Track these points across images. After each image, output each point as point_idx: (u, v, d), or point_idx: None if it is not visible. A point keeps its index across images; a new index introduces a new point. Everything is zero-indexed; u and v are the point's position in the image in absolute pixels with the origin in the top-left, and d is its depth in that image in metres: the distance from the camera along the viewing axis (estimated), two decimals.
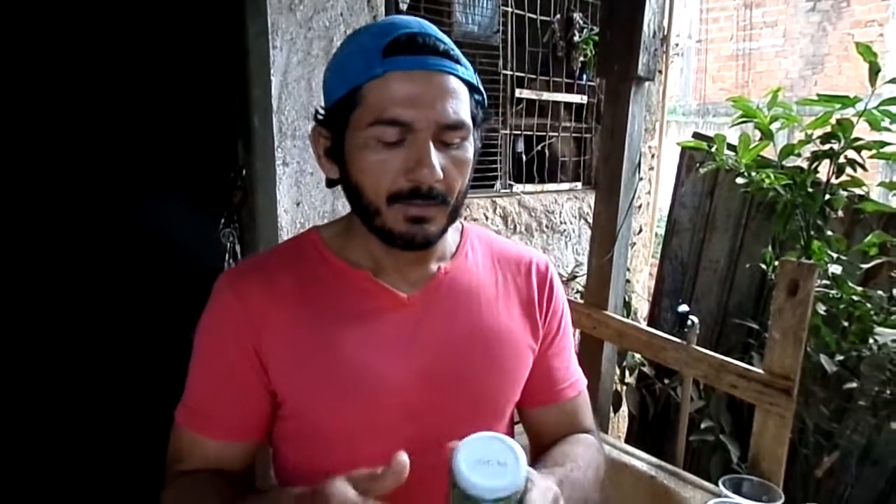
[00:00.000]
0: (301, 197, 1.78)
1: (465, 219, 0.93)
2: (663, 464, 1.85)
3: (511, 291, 0.88)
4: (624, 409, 2.62)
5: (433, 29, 0.76)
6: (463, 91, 0.75)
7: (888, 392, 1.81)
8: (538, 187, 2.62)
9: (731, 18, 8.02)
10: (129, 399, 3.70)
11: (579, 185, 2.84)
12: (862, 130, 1.85)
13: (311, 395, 0.77)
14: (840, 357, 1.88)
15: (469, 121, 0.75)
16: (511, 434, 0.91)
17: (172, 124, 1.70)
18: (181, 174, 1.85)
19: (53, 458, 3.14)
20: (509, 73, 2.53)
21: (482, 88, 0.80)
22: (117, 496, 2.72)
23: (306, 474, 0.75)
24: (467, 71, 0.77)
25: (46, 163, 1.78)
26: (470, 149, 0.76)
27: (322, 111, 0.80)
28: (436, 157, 0.72)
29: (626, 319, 2.14)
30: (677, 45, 8.92)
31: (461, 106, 0.74)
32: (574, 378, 0.94)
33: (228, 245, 1.75)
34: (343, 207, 1.92)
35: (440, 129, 0.72)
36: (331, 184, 0.81)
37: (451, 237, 0.87)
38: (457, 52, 0.76)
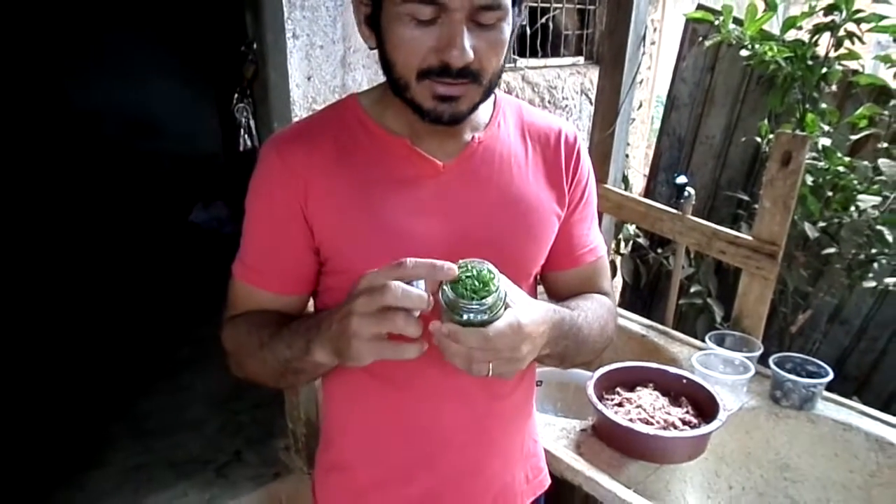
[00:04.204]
0: (312, 71, 1.80)
1: None
2: (654, 324, 2.02)
3: (539, 161, 0.92)
4: (618, 279, 2.78)
5: None
6: None
7: (863, 255, 1.96)
8: (541, 62, 2.61)
9: None
10: (130, 286, 3.84)
11: (582, 59, 2.82)
12: (864, 3, 1.87)
13: (352, 252, 0.83)
14: (822, 224, 2.01)
15: (507, 1, 0.75)
16: (534, 294, 0.98)
17: None
18: (182, 49, 1.85)
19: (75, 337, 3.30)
20: None
21: None
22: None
23: None
24: None
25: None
26: (507, 29, 0.76)
27: None
28: (468, 39, 0.72)
29: (624, 192, 2.25)
30: None
31: None
32: (594, 244, 1.00)
33: (243, 120, 1.79)
34: (353, 82, 1.96)
35: (475, 10, 0.72)
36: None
37: (485, 107, 0.89)
38: None
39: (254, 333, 0.85)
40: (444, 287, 0.67)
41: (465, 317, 0.67)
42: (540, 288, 1.03)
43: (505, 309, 0.69)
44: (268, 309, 0.89)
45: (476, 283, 0.67)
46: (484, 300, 0.66)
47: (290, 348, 0.79)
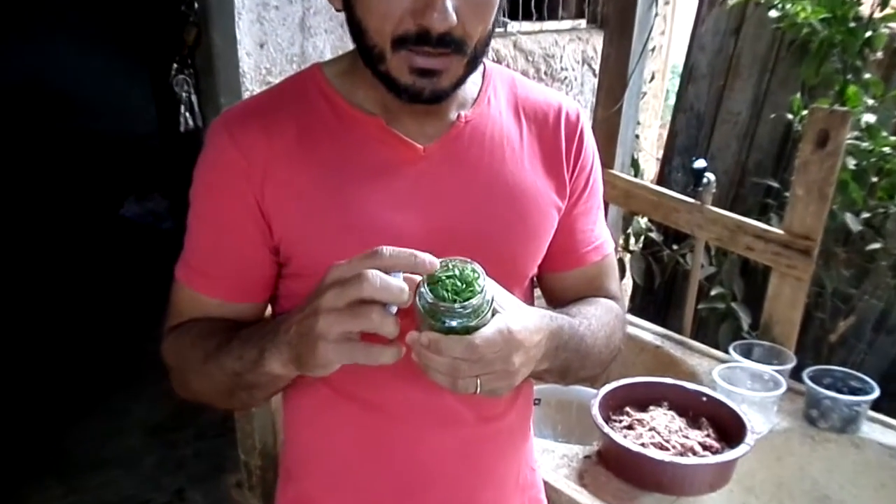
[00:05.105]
0: (265, 37, 1.79)
1: None
2: (669, 333, 2.04)
3: (536, 143, 0.92)
4: (626, 280, 2.80)
5: None
6: None
7: None
8: (536, 26, 2.61)
9: None
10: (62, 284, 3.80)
11: (583, 23, 2.83)
12: None
13: (319, 252, 0.82)
14: (866, 215, 2.04)
15: None
16: (530, 300, 0.98)
17: None
18: (108, 9, 1.83)
19: None
20: None
21: None
22: None
23: None
24: None
25: None
26: None
27: None
28: (450, 0, 0.73)
29: (634, 179, 2.27)
30: None
31: None
32: (599, 241, 1.00)
33: (183, 95, 1.78)
34: (313, 50, 1.95)
35: None
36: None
37: (472, 80, 0.88)
38: None
39: (198, 345, 0.84)
40: (422, 290, 0.68)
41: (447, 323, 0.67)
42: (537, 292, 1.03)
43: (493, 315, 0.70)
44: (217, 317, 0.88)
45: (458, 283, 0.68)
46: (468, 302, 0.67)
47: (241, 359, 0.78)
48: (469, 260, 0.70)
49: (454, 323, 0.67)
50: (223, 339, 0.82)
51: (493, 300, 0.69)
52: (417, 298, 0.68)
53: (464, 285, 0.68)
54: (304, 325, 0.69)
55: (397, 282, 0.66)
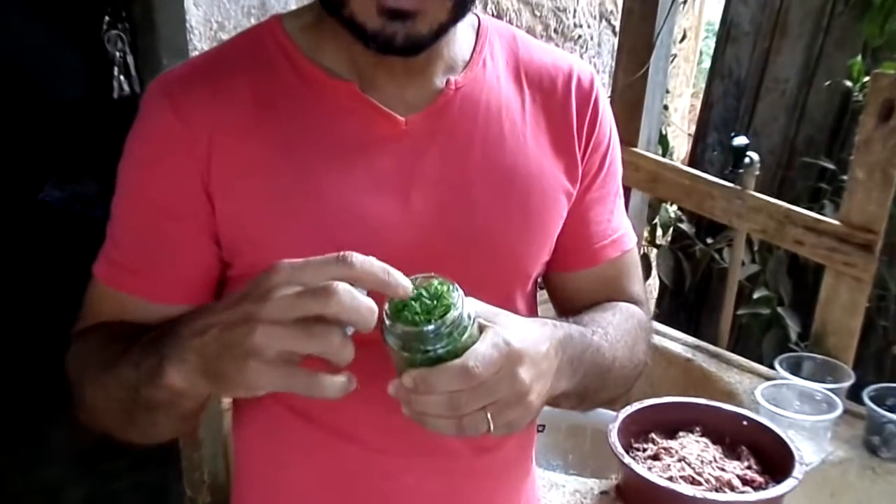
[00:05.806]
0: None
1: None
2: (703, 344, 2.05)
3: (541, 116, 0.92)
4: (652, 280, 2.80)
5: None
6: None
7: None
8: None
9: None
10: None
11: None
12: None
13: (279, 245, 0.80)
14: None
15: None
16: (534, 305, 0.98)
17: None
18: None
19: None
20: None
21: None
22: None
23: None
24: None
25: None
26: None
27: None
28: None
29: (661, 159, 2.26)
30: None
31: None
32: (618, 233, 1.00)
33: (117, 55, 1.77)
34: (276, 1, 1.94)
35: None
36: None
37: (464, 38, 0.88)
38: None
39: (100, 350, 0.82)
40: (387, 324, 0.65)
41: (428, 351, 0.65)
42: (543, 296, 1.03)
43: (481, 331, 0.67)
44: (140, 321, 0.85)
45: (427, 301, 0.65)
46: (445, 317, 0.64)
47: (138, 368, 0.73)
48: (432, 274, 0.68)
49: (437, 347, 0.65)
50: (130, 344, 0.78)
51: (475, 315, 0.67)
52: (385, 336, 0.65)
53: (434, 301, 0.65)
54: (231, 335, 0.64)
55: (369, 303, 0.62)
